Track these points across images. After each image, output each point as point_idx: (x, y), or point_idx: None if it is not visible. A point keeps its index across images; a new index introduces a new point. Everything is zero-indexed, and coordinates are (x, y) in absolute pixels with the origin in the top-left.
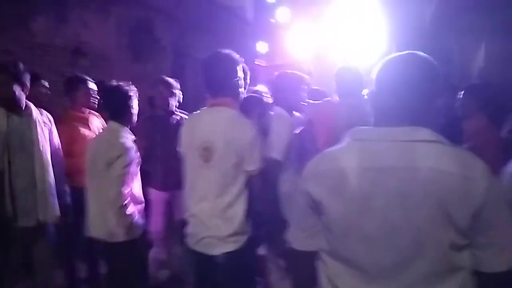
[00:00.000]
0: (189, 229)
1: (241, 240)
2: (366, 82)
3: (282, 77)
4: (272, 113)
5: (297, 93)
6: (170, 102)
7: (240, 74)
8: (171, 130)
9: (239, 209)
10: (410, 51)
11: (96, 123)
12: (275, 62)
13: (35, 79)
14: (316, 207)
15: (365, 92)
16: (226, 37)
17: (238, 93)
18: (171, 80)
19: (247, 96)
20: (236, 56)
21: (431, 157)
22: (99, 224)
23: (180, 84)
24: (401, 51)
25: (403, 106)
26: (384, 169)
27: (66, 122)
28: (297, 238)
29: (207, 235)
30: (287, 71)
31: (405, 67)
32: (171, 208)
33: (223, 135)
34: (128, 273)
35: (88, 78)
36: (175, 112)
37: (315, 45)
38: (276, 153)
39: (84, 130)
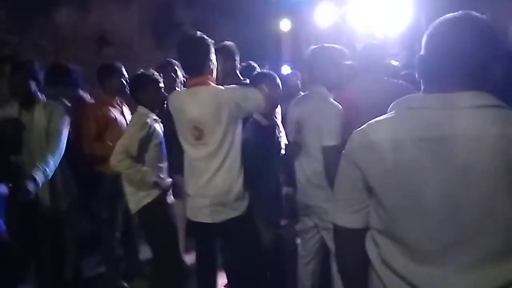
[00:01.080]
0: (189, 203)
1: (242, 207)
2: (392, 56)
3: (319, 51)
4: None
5: (337, 69)
6: (176, 85)
7: (213, 55)
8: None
9: (238, 178)
10: (464, 11)
11: (127, 113)
12: (299, 39)
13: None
14: (364, 181)
15: (394, 63)
16: (248, 17)
17: (213, 72)
18: (176, 63)
19: (257, 73)
20: (208, 38)
21: (497, 124)
22: None
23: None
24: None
25: (460, 70)
26: (443, 139)
27: (99, 107)
28: (340, 214)
29: (208, 203)
30: (324, 44)
31: (460, 28)
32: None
33: (209, 111)
34: None
35: (120, 66)
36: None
37: (340, 19)
38: (331, 139)
39: (116, 116)
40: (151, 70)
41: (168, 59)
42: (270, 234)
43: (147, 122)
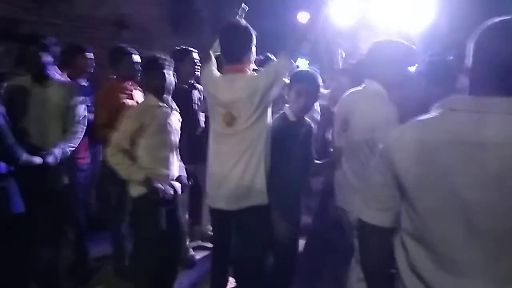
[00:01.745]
0: (211, 189)
1: (261, 197)
2: (413, 54)
3: (380, 46)
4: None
5: (402, 67)
6: (195, 73)
7: (254, 45)
8: (193, 104)
9: (260, 168)
10: None
11: (139, 97)
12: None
13: (79, 51)
14: (397, 180)
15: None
16: (266, 9)
17: (251, 62)
18: (194, 53)
19: (296, 72)
20: (251, 28)
21: None
22: None
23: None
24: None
25: (506, 75)
26: (480, 144)
27: (110, 92)
28: (368, 210)
29: (229, 190)
30: (390, 39)
31: (509, 33)
32: (197, 181)
33: (244, 98)
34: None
35: (132, 50)
36: (196, 85)
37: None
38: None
39: (127, 101)
40: (159, 54)
41: (187, 48)
42: (285, 227)
43: (144, 112)
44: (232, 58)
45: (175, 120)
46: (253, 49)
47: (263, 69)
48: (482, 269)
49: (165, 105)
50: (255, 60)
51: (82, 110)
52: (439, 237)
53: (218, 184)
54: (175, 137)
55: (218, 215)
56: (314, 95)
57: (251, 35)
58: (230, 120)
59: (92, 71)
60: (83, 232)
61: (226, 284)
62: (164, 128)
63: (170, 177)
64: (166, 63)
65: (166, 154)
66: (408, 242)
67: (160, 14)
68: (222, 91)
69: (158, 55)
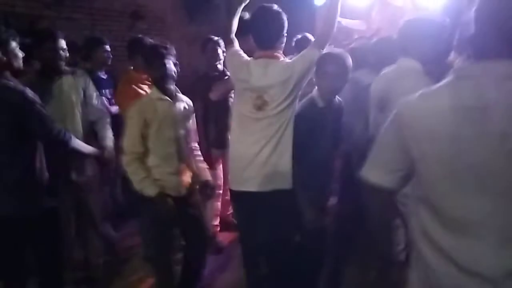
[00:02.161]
0: (233, 172)
1: (286, 181)
2: (446, 29)
3: (414, 23)
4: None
5: (434, 43)
6: (217, 62)
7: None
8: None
9: (287, 152)
10: None
11: None
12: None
13: (97, 44)
14: (405, 145)
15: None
16: None
17: (282, 47)
18: (218, 39)
19: (324, 54)
20: (283, 13)
21: None
22: None
23: None
24: None
25: (507, 38)
26: (484, 108)
27: (128, 83)
28: (375, 171)
29: (254, 173)
30: (423, 16)
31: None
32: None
33: (278, 83)
34: None
35: (150, 41)
36: (225, 72)
37: None
38: None
39: (146, 92)
40: (159, 43)
41: (210, 36)
42: (313, 213)
43: (145, 107)
44: (266, 43)
45: (180, 109)
46: (285, 34)
47: (298, 56)
48: (489, 230)
49: (167, 97)
50: (294, 40)
51: (97, 99)
52: (447, 200)
53: (243, 167)
54: (183, 129)
55: (242, 198)
56: (343, 76)
57: (284, 20)
58: (261, 105)
59: (109, 63)
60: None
61: (259, 267)
62: (166, 122)
63: (177, 173)
64: (165, 51)
65: (172, 150)
66: (419, 207)
67: (175, 3)
68: (255, 76)
69: (157, 44)
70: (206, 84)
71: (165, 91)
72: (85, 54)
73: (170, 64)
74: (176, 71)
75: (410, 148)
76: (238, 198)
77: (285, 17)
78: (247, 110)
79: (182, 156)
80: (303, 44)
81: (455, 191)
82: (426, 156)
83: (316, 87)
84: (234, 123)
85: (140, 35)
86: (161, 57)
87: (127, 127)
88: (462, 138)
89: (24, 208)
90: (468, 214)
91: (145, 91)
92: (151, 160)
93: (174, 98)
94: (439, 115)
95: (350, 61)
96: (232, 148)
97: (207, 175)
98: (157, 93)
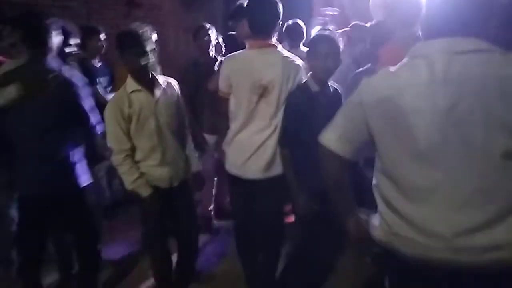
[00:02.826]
0: (236, 159)
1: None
2: None
3: None
4: None
5: None
6: (211, 48)
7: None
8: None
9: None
10: None
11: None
12: None
13: (93, 33)
14: (365, 120)
15: None
16: None
17: (275, 35)
18: (210, 26)
19: (315, 36)
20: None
21: (480, 65)
22: None
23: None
24: None
25: (458, 19)
26: (435, 82)
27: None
28: (330, 135)
29: (263, 163)
30: None
31: None
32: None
33: (280, 73)
34: None
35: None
36: (217, 58)
37: None
38: None
39: None
40: (134, 26)
41: (201, 23)
42: (305, 199)
43: (120, 101)
44: (262, 31)
45: (162, 97)
46: (280, 23)
47: (301, 65)
48: (441, 197)
49: (142, 88)
50: (285, 27)
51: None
52: (404, 171)
53: (247, 155)
54: (167, 117)
55: (243, 184)
56: (335, 56)
57: (280, 9)
58: (263, 93)
59: (104, 52)
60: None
61: (255, 253)
62: (144, 115)
63: (163, 164)
64: (140, 38)
65: (155, 142)
66: (380, 178)
67: None
68: (255, 65)
69: (126, 32)
70: (198, 71)
71: (141, 81)
72: (80, 43)
73: (148, 54)
74: (153, 58)
75: (369, 123)
76: (239, 184)
77: (280, 6)
78: (249, 99)
79: (168, 146)
80: (293, 31)
81: (410, 162)
82: (384, 130)
83: (310, 70)
84: (236, 111)
85: (138, 23)
86: (134, 46)
87: (106, 125)
88: (415, 113)
89: (64, 186)
90: (422, 183)
91: None
92: (137, 155)
93: (153, 86)
94: (395, 93)
95: (340, 42)
96: (234, 135)
97: (198, 166)
98: (132, 85)
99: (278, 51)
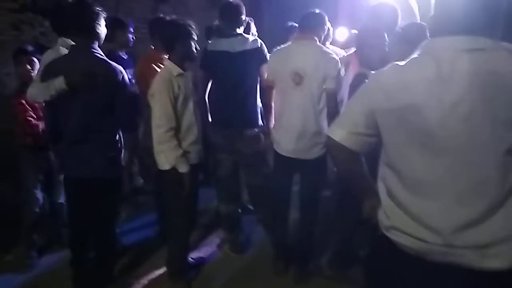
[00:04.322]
0: (285, 140)
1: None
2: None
3: None
4: None
5: None
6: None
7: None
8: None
9: (324, 122)
10: None
11: None
12: None
13: (120, 25)
14: (372, 113)
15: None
16: None
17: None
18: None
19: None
20: None
21: (478, 63)
22: None
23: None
24: None
25: (465, 16)
26: (441, 78)
27: (148, 62)
28: (340, 130)
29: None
30: None
31: None
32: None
33: (313, 63)
34: None
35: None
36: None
37: None
38: None
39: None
40: (184, 20)
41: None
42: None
43: (170, 82)
44: (306, 26)
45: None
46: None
47: (334, 67)
48: (443, 190)
49: (184, 72)
50: (287, 27)
51: None
52: (409, 164)
53: (295, 137)
54: (195, 101)
55: (287, 161)
56: (381, 48)
57: (324, 15)
58: (299, 80)
59: (131, 45)
60: None
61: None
62: (187, 96)
63: (198, 141)
64: (187, 29)
65: (193, 120)
66: (385, 171)
67: None
68: (293, 55)
69: (181, 23)
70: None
71: (182, 67)
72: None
73: (192, 43)
74: (197, 50)
75: (377, 116)
76: (283, 160)
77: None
78: (288, 86)
79: (198, 125)
80: (290, 32)
81: (415, 156)
82: (391, 124)
83: (364, 61)
84: (277, 97)
85: (161, 15)
86: (191, 36)
87: (156, 104)
88: (422, 108)
89: (108, 170)
90: (425, 176)
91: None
92: (179, 133)
93: (186, 72)
94: (404, 87)
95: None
96: (279, 119)
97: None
98: (176, 69)
99: (315, 44)
